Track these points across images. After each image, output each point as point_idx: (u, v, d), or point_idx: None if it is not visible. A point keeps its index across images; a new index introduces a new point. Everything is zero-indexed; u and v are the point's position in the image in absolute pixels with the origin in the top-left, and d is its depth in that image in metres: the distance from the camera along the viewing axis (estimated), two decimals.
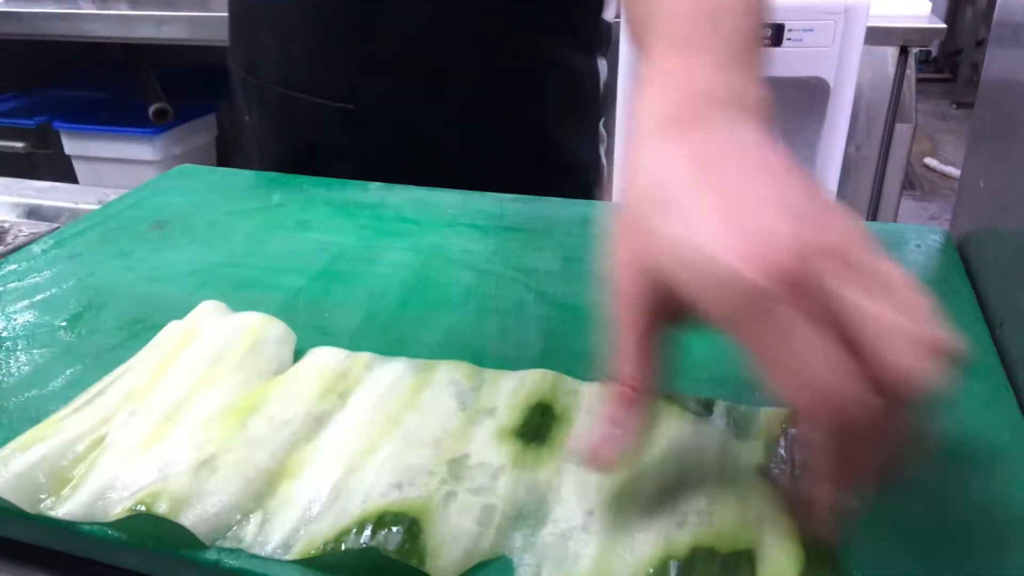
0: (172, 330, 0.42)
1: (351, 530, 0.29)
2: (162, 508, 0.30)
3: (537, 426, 0.35)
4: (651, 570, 0.28)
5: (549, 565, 0.29)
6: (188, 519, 0.30)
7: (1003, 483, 0.32)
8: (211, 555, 0.30)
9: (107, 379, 0.38)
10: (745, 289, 0.23)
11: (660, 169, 0.28)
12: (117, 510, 0.30)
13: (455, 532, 0.30)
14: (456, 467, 0.33)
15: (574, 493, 0.32)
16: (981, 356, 0.40)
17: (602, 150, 0.75)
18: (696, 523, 0.30)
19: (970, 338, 0.42)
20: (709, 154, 0.27)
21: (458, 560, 0.29)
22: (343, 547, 0.28)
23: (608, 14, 0.70)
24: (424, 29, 0.63)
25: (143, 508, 0.30)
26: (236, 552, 0.30)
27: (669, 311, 0.28)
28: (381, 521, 0.29)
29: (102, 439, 0.34)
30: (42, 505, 0.31)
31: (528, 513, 0.31)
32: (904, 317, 0.24)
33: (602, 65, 0.72)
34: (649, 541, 0.29)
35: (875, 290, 0.24)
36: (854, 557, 0.29)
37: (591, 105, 0.72)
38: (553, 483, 0.32)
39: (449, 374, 0.38)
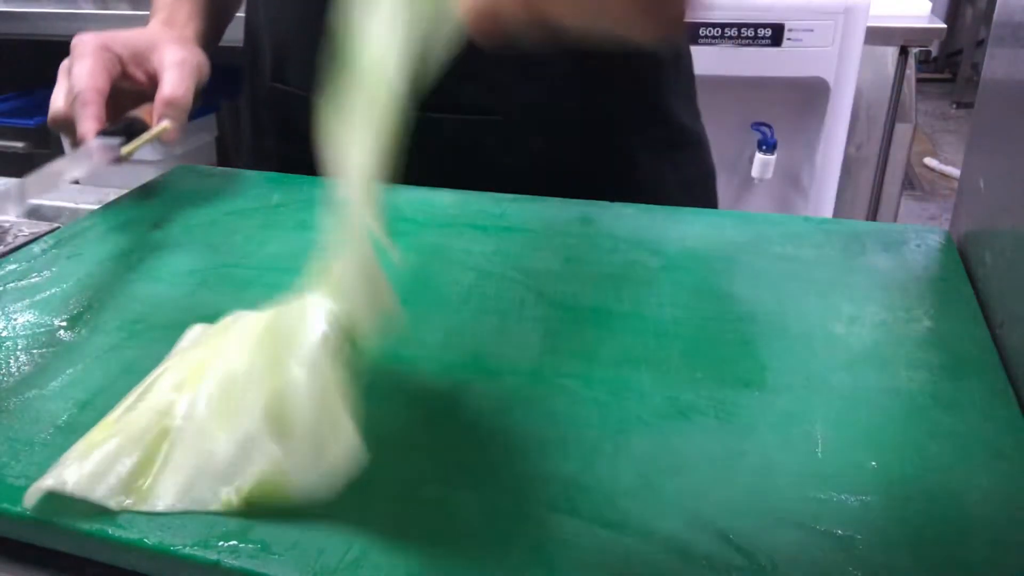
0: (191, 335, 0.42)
1: None
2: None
3: None
4: None
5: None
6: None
7: (1003, 483, 0.32)
8: (211, 555, 0.30)
9: (143, 385, 0.38)
10: None
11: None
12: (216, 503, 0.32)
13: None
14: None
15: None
16: (981, 356, 0.40)
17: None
18: None
19: (970, 338, 0.42)
20: None
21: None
22: None
23: None
24: None
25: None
26: (236, 552, 0.30)
27: None
28: None
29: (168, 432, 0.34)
30: (126, 501, 0.32)
31: None
32: None
33: None
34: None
35: None
36: (853, 558, 0.29)
37: (693, 80, 0.74)
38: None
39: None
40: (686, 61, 0.73)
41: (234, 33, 0.75)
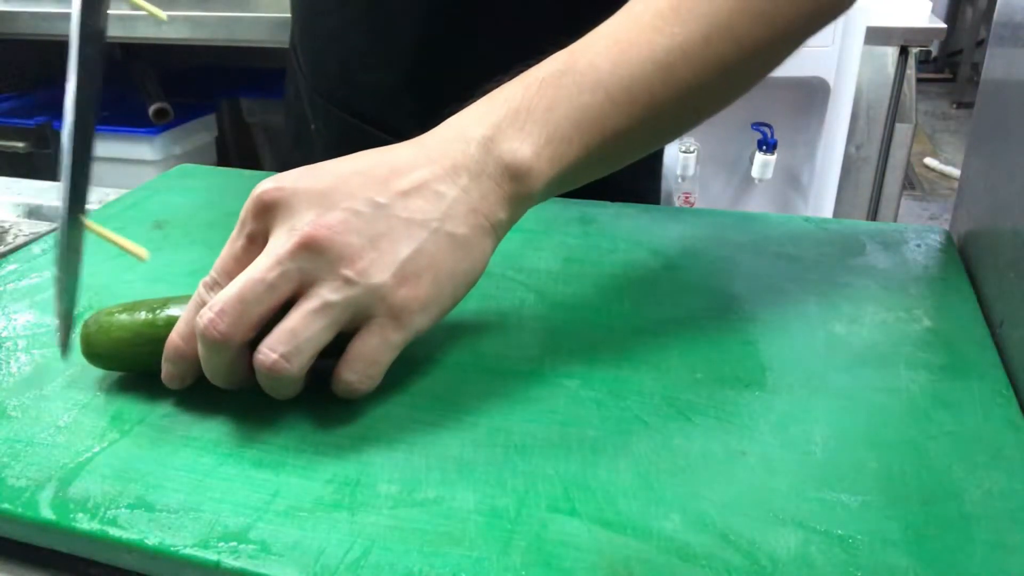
0: None
1: None
2: None
3: None
4: None
5: None
6: None
7: (1003, 483, 0.32)
8: (211, 555, 0.30)
9: None
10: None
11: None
12: None
13: None
14: None
15: None
16: (981, 356, 0.40)
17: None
18: None
19: (970, 338, 0.42)
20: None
21: None
22: None
23: None
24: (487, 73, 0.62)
25: None
26: (236, 552, 0.30)
27: None
28: None
29: None
30: None
31: None
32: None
33: None
34: None
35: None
36: (853, 558, 0.29)
37: None
38: None
39: None
40: None
41: (235, 34, 0.75)
